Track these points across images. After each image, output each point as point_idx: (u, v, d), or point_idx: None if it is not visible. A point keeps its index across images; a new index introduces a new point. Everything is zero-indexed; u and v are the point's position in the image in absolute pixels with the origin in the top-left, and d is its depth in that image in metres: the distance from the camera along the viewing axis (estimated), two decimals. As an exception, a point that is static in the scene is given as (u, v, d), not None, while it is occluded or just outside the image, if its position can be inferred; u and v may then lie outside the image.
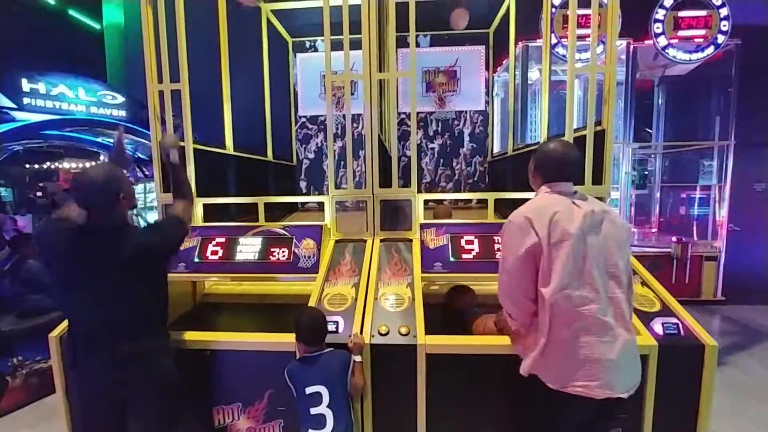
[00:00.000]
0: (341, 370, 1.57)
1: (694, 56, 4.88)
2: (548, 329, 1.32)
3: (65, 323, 1.87)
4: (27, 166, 11.69)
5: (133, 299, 1.46)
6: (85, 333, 1.48)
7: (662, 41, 4.84)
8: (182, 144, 2.44)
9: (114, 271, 1.42)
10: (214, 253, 2.16)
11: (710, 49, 4.86)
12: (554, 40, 4.60)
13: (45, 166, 12.10)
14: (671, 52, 4.87)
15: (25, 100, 4.46)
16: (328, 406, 1.51)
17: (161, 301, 1.58)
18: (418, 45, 4.36)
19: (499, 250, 2.05)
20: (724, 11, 4.76)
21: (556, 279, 1.29)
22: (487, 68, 4.49)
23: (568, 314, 1.29)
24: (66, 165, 11.99)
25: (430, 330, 1.68)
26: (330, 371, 1.55)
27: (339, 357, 1.59)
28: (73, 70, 5.10)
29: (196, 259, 2.14)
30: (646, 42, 4.92)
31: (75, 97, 4.94)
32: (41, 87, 4.60)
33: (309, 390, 1.53)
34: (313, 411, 1.52)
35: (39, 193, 14.09)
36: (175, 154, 1.84)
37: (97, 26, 6.44)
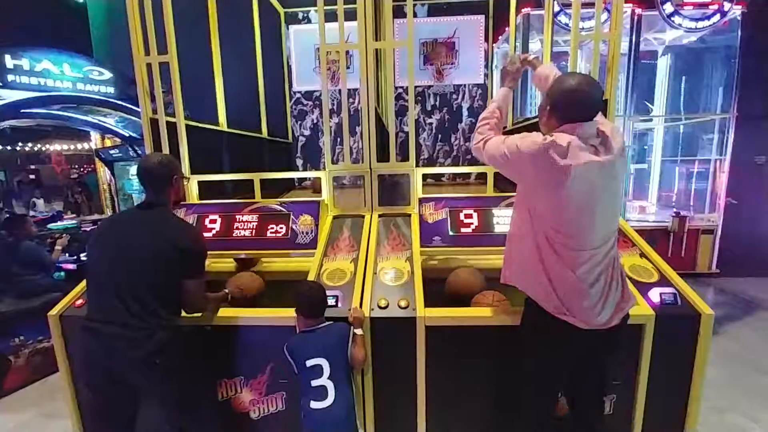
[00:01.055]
0: (341, 341, 1.57)
1: (701, 24, 4.74)
2: (544, 262, 1.33)
3: (65, 301, 1.87)
4: (18, 146, 11.48)
5: (142, 288, 1.45)
6: (92, 314, 1.49)
7: (668, 8, 4.68)
8: (173, 120, 2.37)
9: (137, 253, 1.47)
10: (210, 230, 2.14)
11: (716, 18, 4.71)
12: (557, 8, 4.44)
13: (36, 148, 11.89)
14: (677, 19, 4.72)
15: (9, 77, 4.31)
16: (329, 378, 1.52)
17: (173, 295, 1.53)
18: (415, 15, 4.21)
19: (498, 224, 2.05)
20: (732, -23, 4.59)
21: (561, 226, 1.28)
22: (486, 39, 4.35)
23: (565, 257, 1.30)
24: (57, 147, 11.79)
25: (429, 303, 1.68)
26: (330, 343, 1.56)
27: (338, 329, 1.60)
28: (56, 45, 4.89)
29: (193, 237, 2.12)
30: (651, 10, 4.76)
31: (60, 73, 4.76)
32: (25, 63, 4.42)
33: (309, 363, 1.53)
34: (315, 383, 1.52)
35: (32, 176, 13.92)
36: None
37: (80, -1, 6.17)
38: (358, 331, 1.62)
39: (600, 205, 1.27)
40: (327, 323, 1.61)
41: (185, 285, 1.52)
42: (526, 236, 1.37)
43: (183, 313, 1.58)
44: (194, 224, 2.14)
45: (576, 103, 1.26)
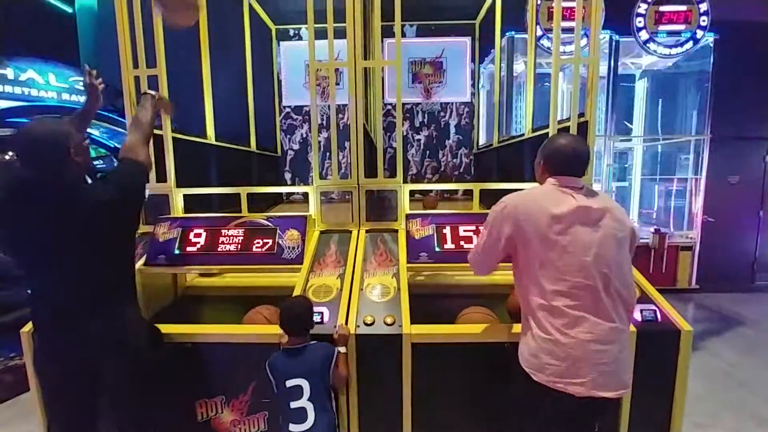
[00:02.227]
0: (324, 362, 1.53)
1: (674, 51, 4.99)
2: (535, 324, 1.30)
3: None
4: (-4, 156, 11.18)
5: (96, 267, 1.34)
6: (47, 307, 1.36)
7: (644, 35, 4.92)
8: (160, 133, 2.36)
9: (70, 235, 1.29)
10: (195, 244, 2.11)
11: (689, 44, 4.97)
12: (539, 32, 4.62)
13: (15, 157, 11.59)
14: (652, 46, 4.96)
15: (-8, 87, 4.26)
16: (309, 399, 1.48)
17: (127, 268, 1.46)
18: (404, 35, 4.32)
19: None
20: (703, 6, 4.86)
21: (543, 276, 1.27)
22: (473, 60, 4.49)
23: (554, 311, 1.26)
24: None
25: (415, 320, 1.68)
26: (312, 364, 1.52)
27: (323, 350, 1.56)
28: (42, 54, 4.84)
29: (176, 251, 2.08)
30: (628, 36, 5.00)
31: (45, 83, 4.71)
32: (9, 72, 4.37)
33: (289, 383, 1.49)
34: (294, 405, 1.48)
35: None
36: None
37: (69, 9, 6.12)
38: (342, 349, 1.59)
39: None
40: (311, 343, 1.57)
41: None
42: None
43: (167, 328, 1.54)
44: (176, 238, 2.10)
45: (564, 158, 1.40)
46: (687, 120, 5.68)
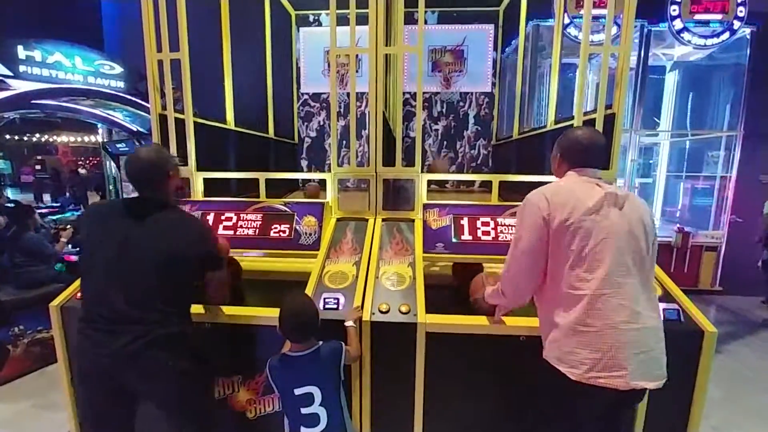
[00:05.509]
0: (334, 363, 1.45)
1: (709, 41, 4.75)
2: (568, 317, 1.25)
3: (67, 292, 1.87)
4: (26, 137, 11.55)
5: (156, 287, 1.37)
6: (101, 311, 1.36)
7: (678, 24, 4.69)
8: (182, 117, 2.39)
9: (147, 247, 1.38)
10: (215, 228, 2.14)
11: (725, 35, 4.72)
12: (567, 20, 4.45)
13: (44, 139, 11.96)
14: (686, 36, 4.73)
15: (21, 68, 4.34)
16: (321, 405, 1.40)
17: (189, 289, 1.50)
18: (425, 22, 4.23)
19: (502, 232, 2.05)
20: (741, -5, 4.60)
21: (578, 266, 1.24)
22: (495, 48, 4.37)
23: (593, 300, 1.22)
24: (64, 138, 11.86)
25: (430, 309, 1.68)
26: (321, 369, 1.43)
27: (331, 352, 1.46)
28: (69, 37, 4.93)
29: (196, 234, 2.12)
30: (661, 25, 4.78)
31: (72, 66, 4.80)
32: (37, 55, 4.46)
33: (298, 391, 1.40)
34: (305, 411, 1.40)
35: (38, 167, 14.01)
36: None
37: (94, -7, 6.25)
38: (349, 323, 1.57)
39: None
40: (316, 346, 1.45)
41: (209, 276, 1.58)
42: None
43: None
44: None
45: (582, 150, 1.39)
46: (719, 115, 5.44)
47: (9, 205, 4.13)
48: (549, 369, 1.29)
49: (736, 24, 4.65)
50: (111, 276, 1.37)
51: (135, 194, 1.50)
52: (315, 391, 1.41)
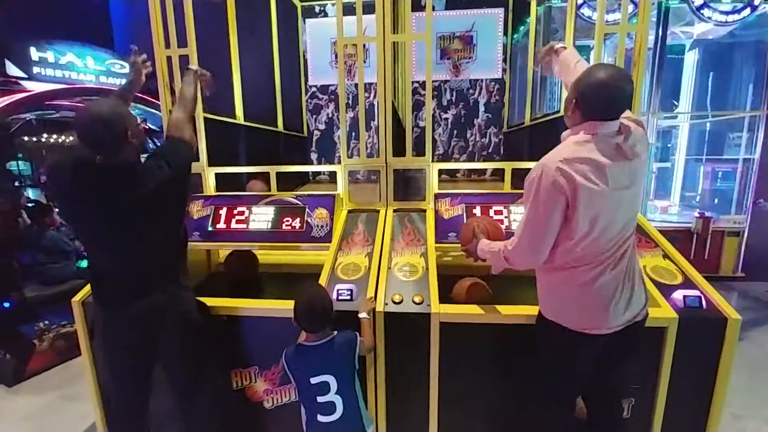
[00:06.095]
0: (349, 352, 1.46)
1: (731, 18, 4.54)
2: (565, 277, 1.30)
3: (88, 288, 1.92)
4: (43, 138, 11.82)
5: (152, 245, 1.39)
6: (110, 283, 1.44)
7: (697, 0, 4.49)
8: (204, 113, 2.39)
9: (127, 214, 1.33)
10: (228, 222, 2.16)
11: (746, 11, 4.51)
12: (580, 0, 4.31)
13: (60, 140, 12.24)
14: (707, 12, 4.52)
15: (35, 70, 4.42)
16: (336, 393, 1.42)
17: (182, 245, 1.54)
18: (433, 8, 4.14)
19: (515, 220, 2.01)
20: (764, -32, 4.37)
21: (586, 231, 1.22)
22: (505, 33, 4.26)
23: (589, 262, 1.26)
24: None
25: (444, 299, 1.67)
26: (337, 359, 1.44)
27: (346, 341, 1.47)
28: (79, 37, 5.00)
29: (210, 228, 2.15)
30: (680, 1, 4.57)
31: (84, 66, 4.88)
32: (50, 56, 4.53)
33: (315, 380, 1.42)
34: (321, 399, 1.43)
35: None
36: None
37: (102, -7, 6.29)
38: (362, 315, 1.58)
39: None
40: (331, 335, 1.47)
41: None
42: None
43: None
44: (209, 215, 2.17)
45: (603, 100, 1.18)
46: (741, 95, 5.21)
47: (30, 205, 4.23)
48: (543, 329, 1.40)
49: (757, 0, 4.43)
50: (104, 249, 1.41)
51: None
52: (331, 379, 1.42)
